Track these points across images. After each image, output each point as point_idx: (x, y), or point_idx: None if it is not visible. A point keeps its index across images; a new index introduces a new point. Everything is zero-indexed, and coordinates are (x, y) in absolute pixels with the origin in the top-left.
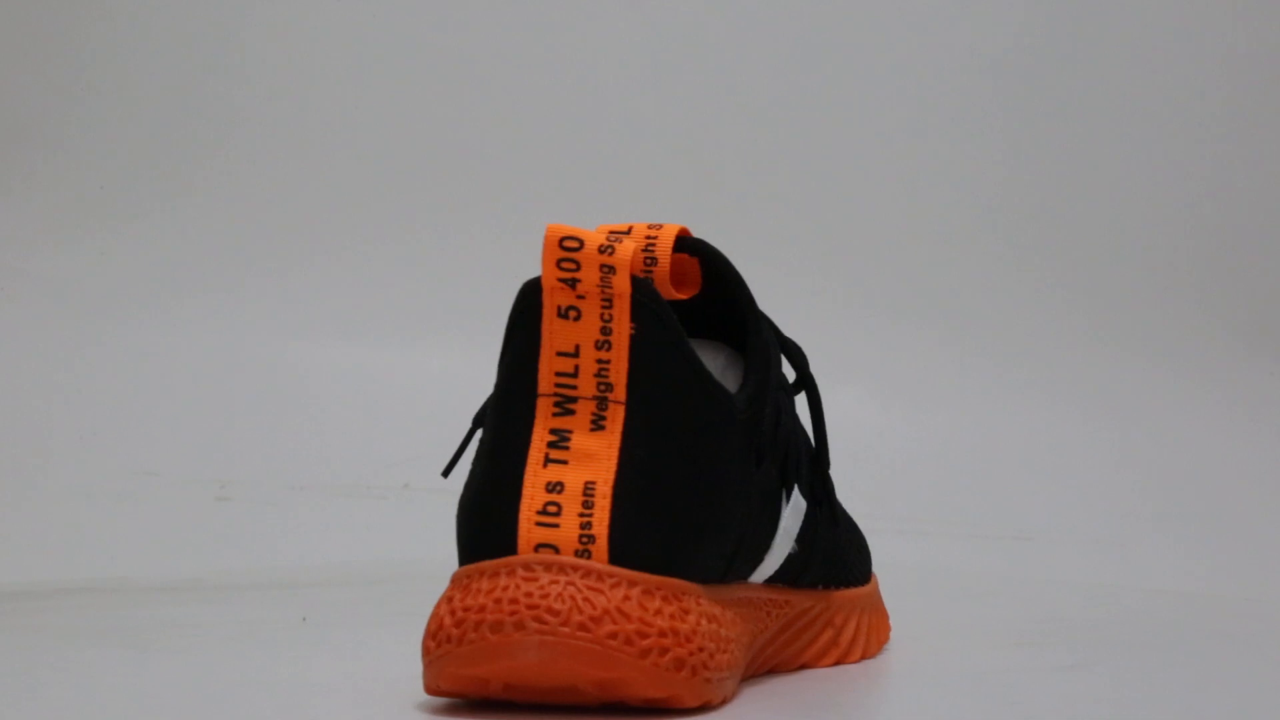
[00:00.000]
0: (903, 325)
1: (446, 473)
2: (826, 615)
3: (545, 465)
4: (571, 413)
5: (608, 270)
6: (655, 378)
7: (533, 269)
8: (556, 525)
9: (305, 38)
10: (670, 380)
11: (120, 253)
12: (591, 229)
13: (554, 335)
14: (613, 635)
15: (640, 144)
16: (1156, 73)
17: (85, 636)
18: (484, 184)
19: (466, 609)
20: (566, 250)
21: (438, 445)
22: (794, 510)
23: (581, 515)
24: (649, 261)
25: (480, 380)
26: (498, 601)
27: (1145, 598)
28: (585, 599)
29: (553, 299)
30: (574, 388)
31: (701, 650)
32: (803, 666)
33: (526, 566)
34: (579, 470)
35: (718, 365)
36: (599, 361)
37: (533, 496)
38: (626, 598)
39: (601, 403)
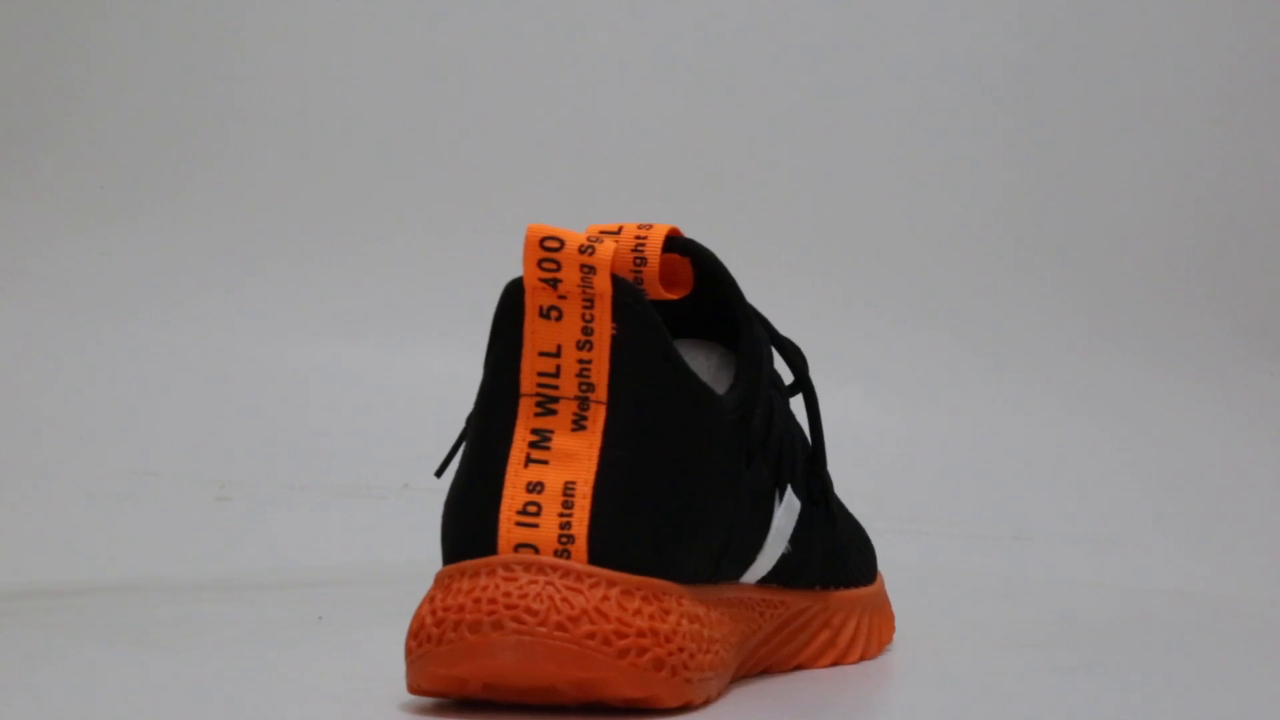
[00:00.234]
0: (903, 325)
1: (440, 473)
2: (824, 616)
3: (526, 465)
4: (553, 413)
5: (588, 270)
6: (637, 378)
7: None
8: (536, 525)
9: (305, 38)
10: (652, 380)
11: (120, 253)
12: (591, 229)
13: (536, 335)
14: (590, 635)
15: (641, 145)
16: (1157, 75)
17: (86, 636)
18: (484, 184)
19: (446, 609)
20: (547, 250)
21: (438, 445)
22: (787, 510)
23: (561, 515)
24: (638, 261)
25: (480, 380)
26: (476, 601)
27: (1145, 598)
28: (563, 599)
29: (534, 299)
30: (556, 388)
31: (682, 650)
32: (798, 667)
33: (506, 566)
34: (559, 470)
35: (711, 365)
36: (580, 362)
37: (513, 496)
38: (605, 598)
39: (583, 403)
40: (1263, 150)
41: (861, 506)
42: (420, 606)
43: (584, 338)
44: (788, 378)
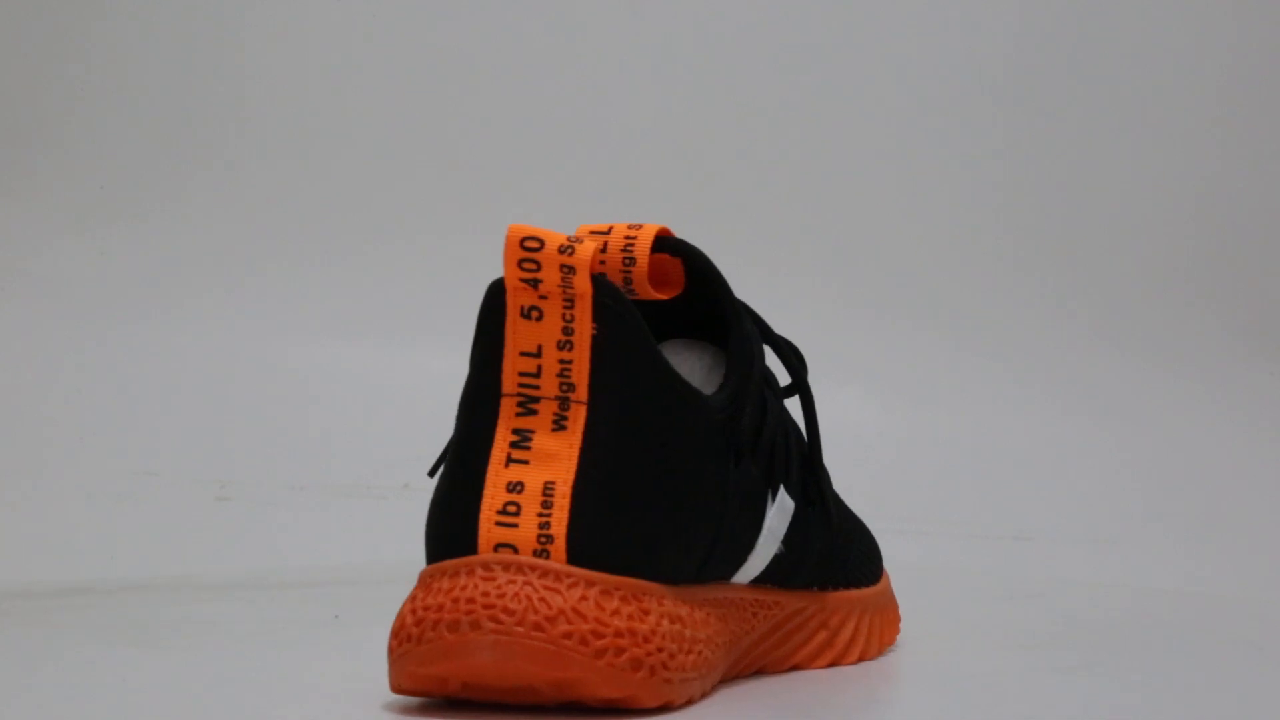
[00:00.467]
0: (903, 325)
1: (433, 472)
2: (821, 617)
3: (507, 465)
4: (534, 413)
5: (568, 270)
6: (618, 378)
7: None
8: (515, 525)
9: (305, 38)
10: (634, 380)
11: (120, 253)
12: (581, 229)
13: (517, 335)
14: (567, 635)
15: (641, 145)
16: (1157, 75)
17: (86, 636)
18: (485, 184)
19: (426, 608)
20: (527, 250)
21: (437, 445)
22: (780, 511)
23: (540, 515)
24: (627, 261)
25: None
26: (455, 601)
27: (1145, 598)
28: (541, 599)
29: (516, 299)
30: (537, 388)
31: (661, 650)
32: (794, 668)
33: (485, 566)
34: (539, 470)
35: (703, 365)
36: (561, 362)
37: (494, 496)
38: (583, 598)
39: (563, 403)
40: (1263, 150)
41: (861, 506)
42: (403, 606)
43: (564, 338)
44: (785, 378)
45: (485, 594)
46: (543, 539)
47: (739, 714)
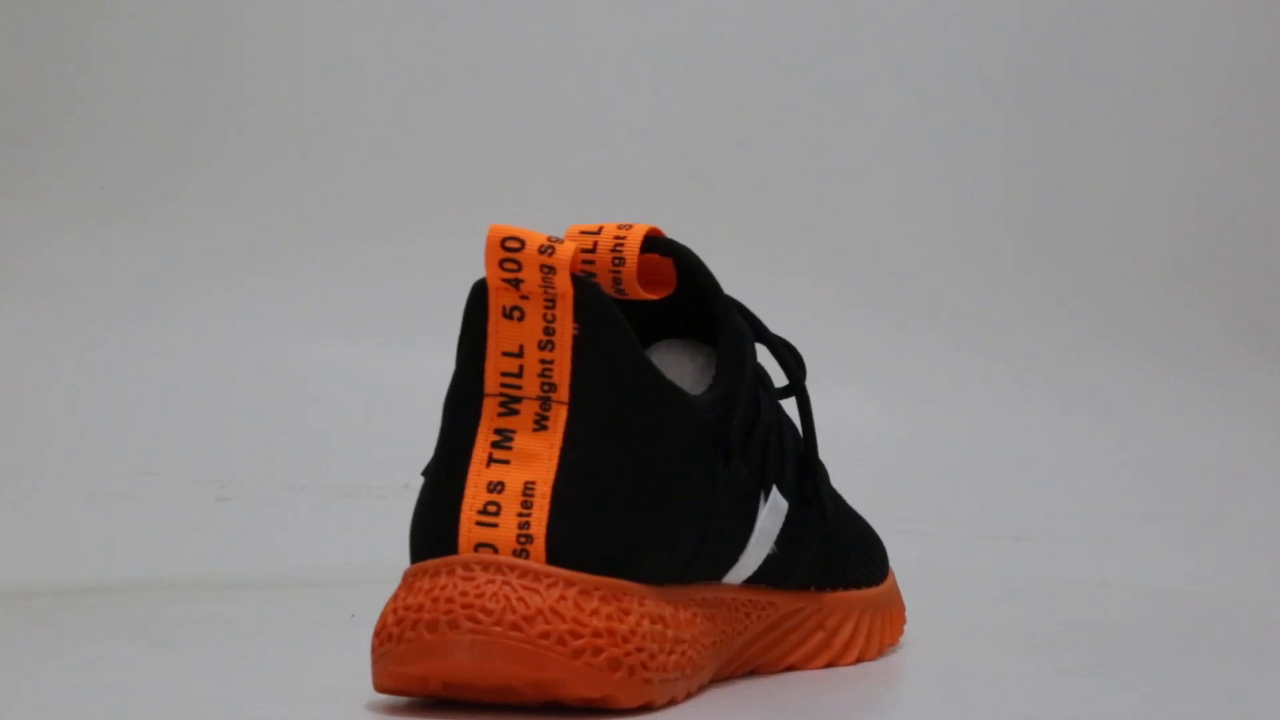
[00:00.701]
0: (903, 325)
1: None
2: (818, 617)
3: (488, 465)
4: (516, 413)
5: (548, 270)
6: (599, 378)
7: None
8: (496, 525)
9: (305, 38)
10: (615, 380)
11: (120, 253)
12: (571, 229)
13: (499, 335)
14: (545, 635)
15: (641, 145)
16: (1157, 75)
17: (86, 636)
18: (485, 184)
19: (407, 608)
20: (508, 250)
21: None
22: (773, 511)
23: (520, 515)
24: (616, 261)
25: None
26: (435, 600)
27: (1146, 597)
28: (519, 599)
29: (498, 299)
30: (518, 388)
31: (641, 650)
32: (789, 668)
33: (465, 566)
34: (520, 470)
35: (696, 366)
36: (543, 362)
37: (474, 496)
38: (562, 598)
39: (545, 403)
40: (1263, 150)
41: (861, 506)
42: (386, 605)
43: (546, 338)
44: (783, 379)
45: (464, 594)
46: (522, 539)
47: (724, 713)
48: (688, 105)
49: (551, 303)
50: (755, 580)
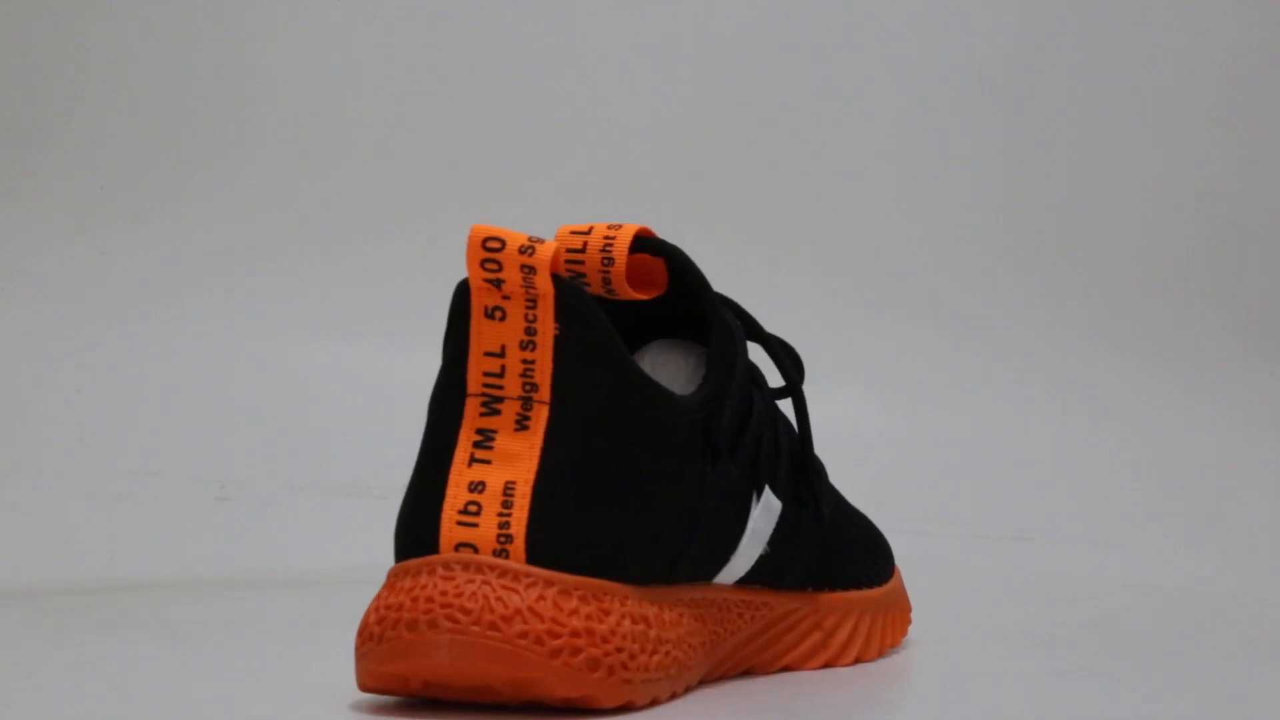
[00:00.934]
0: (903, 325)
1: None
2: (815, 618)
3: (470, 465)
4: (497, 413)
5: (529, 271)
6: (581, 378)
7: None
8: (476, 525)
9: (305, 38)
10: (597, 380)
11: (120, 253)
12: (561, 229)
13: (481, 335)
14: (523, 635)
15: (641, 145)
16: (1157, 75)
17: (86, 636)
18: (484, 184)
19: (388, 607)
20: (489, 251)
21: None
22: (765, 511)
23: (500, 515)
24: (605, 261)
25: None
26: (415, 600)
27: (1146, 597)
28: (498, 598)
29: (480, 299)
30: (500, 388)
31: (621, 650)
32: (785, 668)
33: (446, 566)
34: (501, 470)
35: (689, 365)
36: (524, 362)
37: (456, 496)
38: (541, 598)
39: (526, 403)
40: (1263, 150)
41: (861, 506)
42: (369, 605)
43: (527, 338)
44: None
45: (444, 593)
46: (502, 539)
47: (709, 712)
48: (687, 105)
49: (533, 303)
50: (749, 580)
